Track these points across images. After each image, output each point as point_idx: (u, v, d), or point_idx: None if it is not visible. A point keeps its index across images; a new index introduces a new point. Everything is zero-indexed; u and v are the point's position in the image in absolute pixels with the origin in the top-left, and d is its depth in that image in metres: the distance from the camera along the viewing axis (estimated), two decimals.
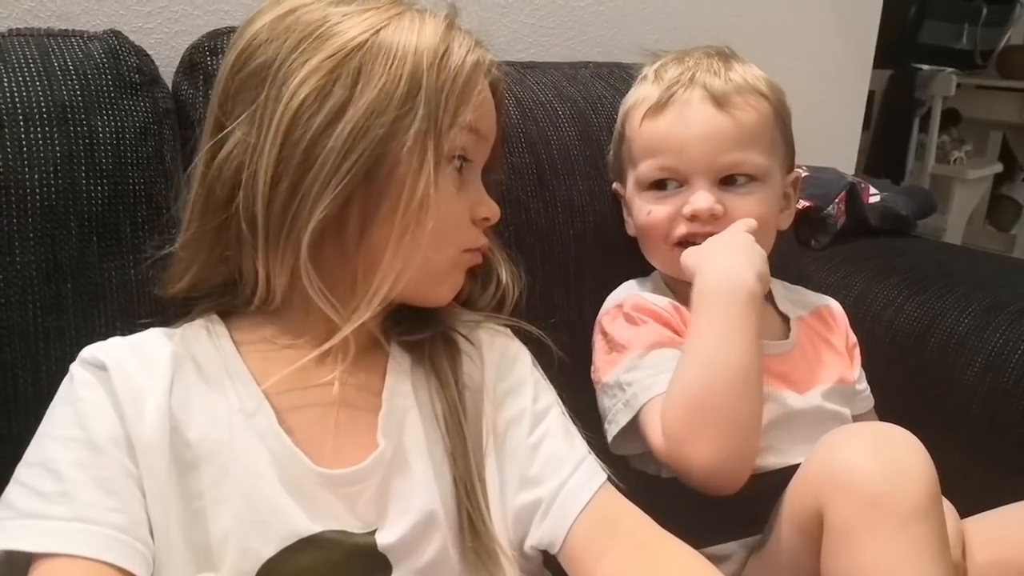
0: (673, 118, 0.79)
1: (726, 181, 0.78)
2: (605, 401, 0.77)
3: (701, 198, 0.77)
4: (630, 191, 0.84)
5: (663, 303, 0.79)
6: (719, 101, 0.78)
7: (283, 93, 0.55)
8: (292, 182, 0.55)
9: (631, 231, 0.87)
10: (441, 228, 0.58)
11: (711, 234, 0.77)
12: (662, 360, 0.73)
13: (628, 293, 0.82)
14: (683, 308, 0.80)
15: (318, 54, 0.56)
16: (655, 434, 0.70)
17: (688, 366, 0.69)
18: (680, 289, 0.83)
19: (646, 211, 0.80)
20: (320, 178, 0.55)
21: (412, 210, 0.56)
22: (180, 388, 0.55)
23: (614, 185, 0.89)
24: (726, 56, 0.82)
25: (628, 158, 0.84)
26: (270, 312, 0.60)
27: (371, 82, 0.56)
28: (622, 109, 0.86)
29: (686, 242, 0.79)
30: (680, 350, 0.73)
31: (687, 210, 0.77)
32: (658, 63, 0.84)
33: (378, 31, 0.57)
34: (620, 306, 0.80)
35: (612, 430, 0.75)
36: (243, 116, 0.57)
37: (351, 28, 0.57)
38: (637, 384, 0.74)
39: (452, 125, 0.58)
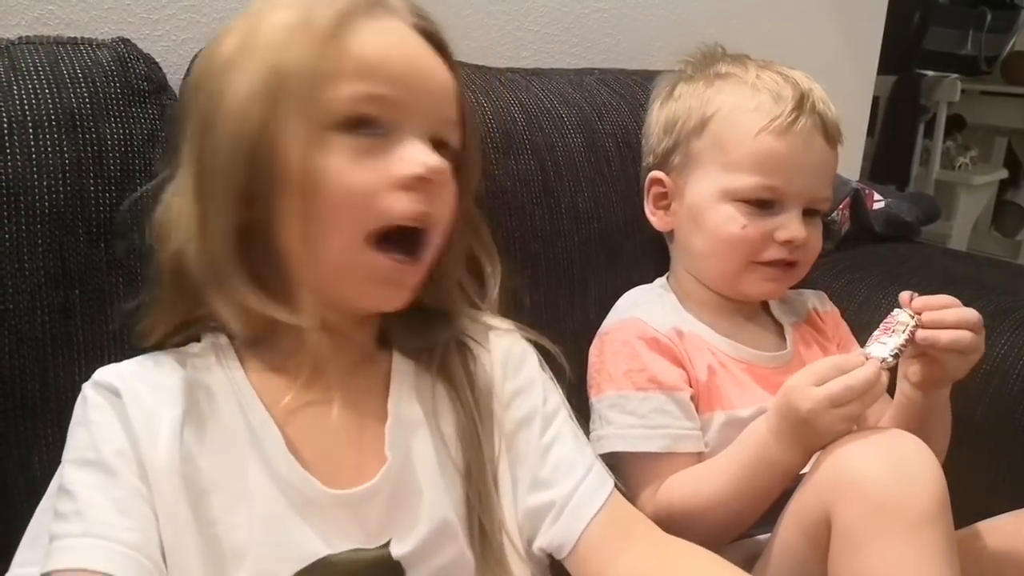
0: (797, 145, 0.78)
1: (806, 211, 0.80)
2: (591, 415, 0.79)
3: (799, 227, 0.78)
4: (707, 196, 0.81)
5: (666, 328, 0.79)
6: (829, 136, 0.79)
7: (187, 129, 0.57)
8: (200, 207, 0.55)
9: (661, 225, 0.86)
10: (345, 204, 0.54)
11: (794, 262, 0.80)
12: (648, 410, 0.74)
13: (632, 315, 0.81)
14: (686, 332, 0.80)
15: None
16: (634, 491, 0.73)
17: (703, 486, 0.71)
18: (699, 294, 0.84)
19: (740, 224, 0.79)
20: (216, 191, 0.54)
21: (304, 193, 0.54)
22: (192, 416, 0.55)
23: (657, 174, 0.85)
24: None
25: (714, 159, 0.81)
26: (262, 337, 0.59)
27: (237, 81, 0.55)
28: (704, 103, 0.82)
29: (766, 263, 0.80)
30: (670, 396, 0.75)
31: (783, 235, 0.78)
32: (751, 70, 0.82)
33: (247, 32, 0.56)
34: (622, 329, 0.80)
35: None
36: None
37: (228, 43, 0.57)
38: (614, 427, 0.75)
39: (320, 87, 0.54)
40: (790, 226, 0.78)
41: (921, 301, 0.70)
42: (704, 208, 0.81)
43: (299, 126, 0.53)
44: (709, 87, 0.83)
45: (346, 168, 0.54)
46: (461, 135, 0.61)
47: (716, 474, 0.71)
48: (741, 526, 0.71)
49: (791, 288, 0.91)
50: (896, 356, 0.67)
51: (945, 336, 0.69)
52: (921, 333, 0.69)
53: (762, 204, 0.79)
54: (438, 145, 0.58)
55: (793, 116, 0.77)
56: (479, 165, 0.66)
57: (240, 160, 0.54)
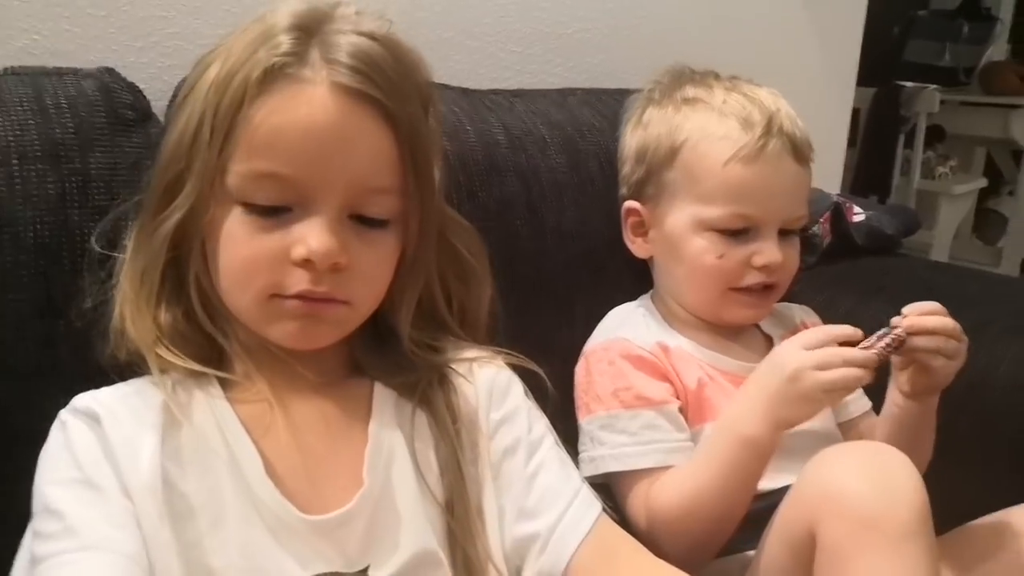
0: (767, 171, 0.78)
1: (781, 231, 0.81)
2: (580, 436, 0.79)
3: (775, 251, 0.79)
4: (682, 225, 0.81)
5: (650, 344, 0.80)
6: (800, 155, 0.80)
7: None
8: (137, 228, 0.60)
9: (641, 252, 0.87)
10: (241, 272, 0.56)
11: (773, 284, 0.81)
12: (639, 427, 0.75)
13: (616, 334, 0.82)
14: (671, 347, 0.81)
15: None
16: (633, 508, 0.74)
17: (686, 482, 0.72)
18: (683, 315, 0.85)
19: (717, 254, 0.80)
20: (147, 216, 0.58)
21: (213, 251, 0.57)
22: (172, 440, 0.55)
23: (632, 204, 0.86)
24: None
25: (687, 189, 0.81)
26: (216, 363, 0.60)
27: (177, 123, 0.57)
28: (673, 131, 0.82)
29: (744, 289, 0.81)
30: (659, 410, 0.76)
31: (760, 261, 0.79)
32: (717, 93, 0.82)
33: (197, 75, 0.58)
34: (607, 349, 0.80)
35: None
36: None
37: (188, 80, 0.59)
38: (606, 447, 0.76)
39: (226, 158, 0.54)
40: (766, 251, 0.79)
41: (908, 307, 0.72)
42: (680, 239, 0.82)
43: (207, 188, 0.55)
44: (677, 113, 0.83)
45: (243, 240, 0.55)
46: (395, 199, 0.58)
47: (695, 469, 0.72)
48: (733, 520, 0.72)
49: (777, 302, 0.93)
50: (880, 353, 0.69)
51: (925, 340, 0.71)
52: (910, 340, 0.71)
53: (737, 232, 0.80)
54: (361, 217, 0.57)
55: (761, 143, 0.78)
56: (436, 208, 0.62)
57: (164, 200, 0.57)
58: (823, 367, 0.66)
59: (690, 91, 0.85)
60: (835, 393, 0.67)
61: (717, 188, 0.79)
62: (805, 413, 0.68)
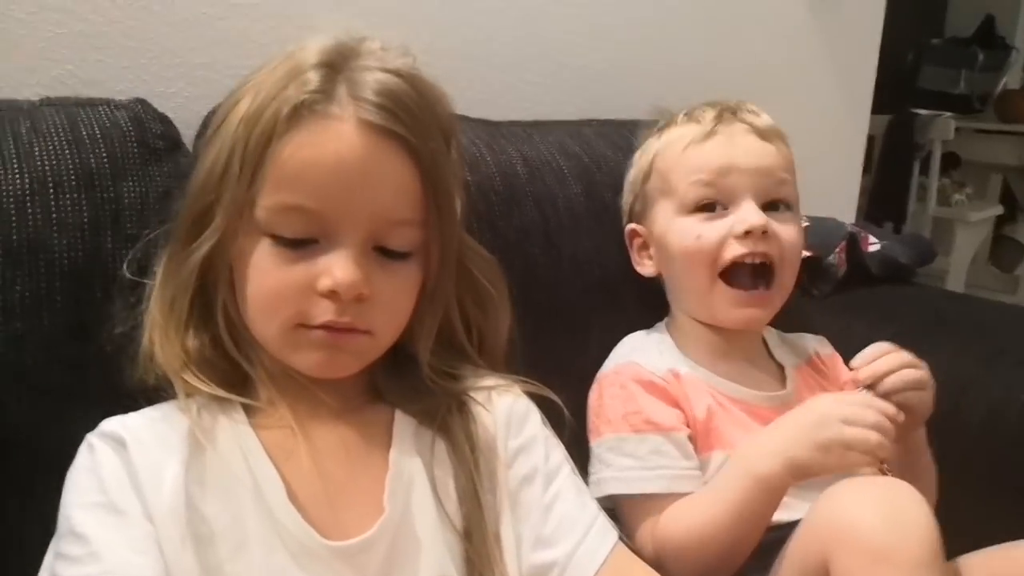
0: (723, 142, 0.82)
1: (767, 206, 0.81)
2: (590, 459, 0.80)
3: (753, 214, 0.79)
4: (664, 223, 0.85)
5: (662, 371, 0.81)
6: (763, 135, 0.83)
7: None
8: (167, 255, 0.62)
9: (647, 271, 0.89)
10: (268, 302, 0.57)
11: (763, 254, 0.80)
12: (646, 452, 0.76)
13: (629, 359, 0.83)
14: (683, 374, 0.81)
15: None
16: (638, 534, 0.75)
17: (697, 514, 0.72)
18: (697, 336, 0.86)
19: (694, 235, 0.81)
20: (177, 245, 0.60)
21: (240, 282, 0.58)
22: (196, 464, 0.56)
23: (631, 226, 0.90)
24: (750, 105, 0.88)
25: (661, 190, 0.86)
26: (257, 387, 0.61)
27: (207, 156, 0.59)
28: (648, 154, 0.88)
29: (730, 273, 0.81)
30: (668, 436, 0.76)
31: (740, 227, 0.79)
32: (683, 112, 0.88)
33: (230, 105, 0.59)
34: (619, 373, 0.81)
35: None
36: None
37: (219, 112, 0.61)
38: (612, 469, 0.77)
39: (255, 192, 0.56)
40: (745, 216, 0.79)
41: (855, 360, 0.74)
42: (665, 236, 0.85)
43: (236, 220, 0.57)
44: (653, 139, 0.89)
45: (270, 271, 0.57)
46: (417, 232, 0.59)
47: (707, 501, 0.72)
48: (742, 552, 0.72)
49: (791, 333, 0.94)
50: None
51: (891, 381, 0.72)
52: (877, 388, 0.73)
53: (710, 208, 0.82)
54: (384, 248, 0.58)
55: (713, 124, 0.82)
56: (456, 239, 0.64)
57: (194, 230, 0.58)
58: (850, 422, 0.67)
59: (663, 121, 0.90)
60: (852, 454, 0.67)
61: (683, 172, 0.83)
62: (819, 462, 0.68)
